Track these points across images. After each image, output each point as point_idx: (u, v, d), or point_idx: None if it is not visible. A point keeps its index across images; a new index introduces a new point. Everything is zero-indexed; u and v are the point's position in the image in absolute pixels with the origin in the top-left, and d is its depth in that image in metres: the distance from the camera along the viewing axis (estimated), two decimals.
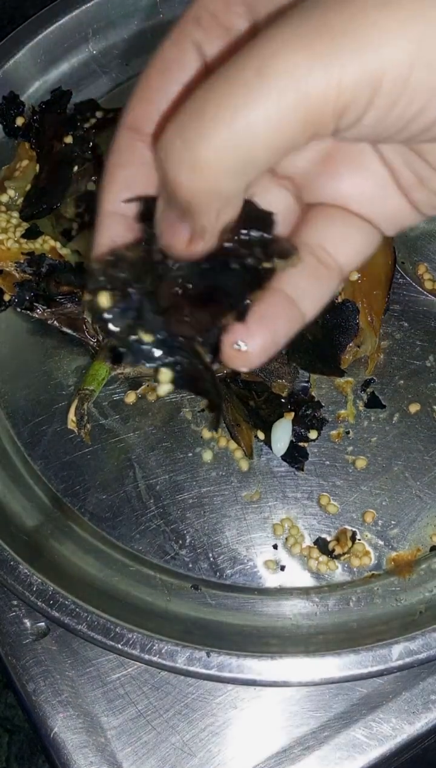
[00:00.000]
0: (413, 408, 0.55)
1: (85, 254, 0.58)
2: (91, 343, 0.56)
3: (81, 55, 0.68)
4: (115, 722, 0.47)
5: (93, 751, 0.46)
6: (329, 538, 0.51)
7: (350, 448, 0.54)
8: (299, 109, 0.24)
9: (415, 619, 0.47)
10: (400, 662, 0.44)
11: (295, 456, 0.53)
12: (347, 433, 0.54)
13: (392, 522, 0.52)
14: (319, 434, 0.54)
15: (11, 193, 0.61)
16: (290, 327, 0.29)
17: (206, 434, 0.54)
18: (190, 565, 0.51)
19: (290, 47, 0.24)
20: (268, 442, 0.53)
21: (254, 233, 0.28)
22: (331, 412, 0.55)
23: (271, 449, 0.53)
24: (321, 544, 0.51)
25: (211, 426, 0.54)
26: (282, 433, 0.53)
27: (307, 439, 0.54)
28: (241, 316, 0.28)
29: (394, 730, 0.46)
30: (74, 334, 0.57)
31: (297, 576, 0.51)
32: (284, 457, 0.53)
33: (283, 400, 0.54)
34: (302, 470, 0.53)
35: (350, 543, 0.51)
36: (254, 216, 0.28)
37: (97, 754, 0.46)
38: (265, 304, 0.29)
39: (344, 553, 0.50)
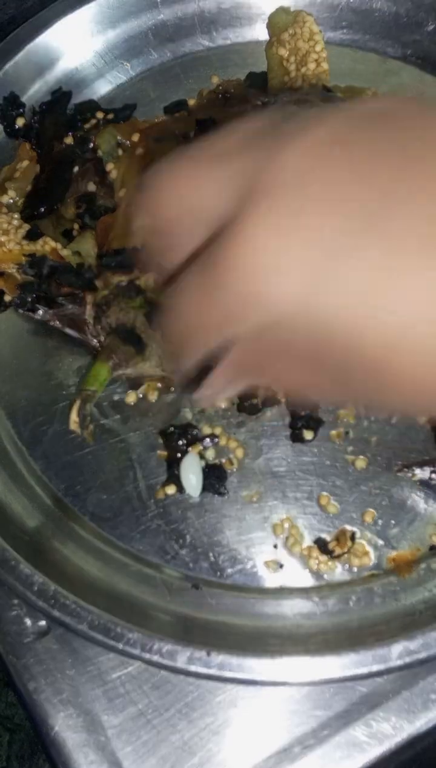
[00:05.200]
0: None
1: (86, 255, 0.58)
2: (93, 343, 0.56)
3: (81, 56, 0.68)
4: (115, 721, 0.47)
5: (93, 750, 0.46)
6: (328, 538, 0.51)
7: (350, 448, 0.54)
8: None
9: (415, 619, 0.47)
10: (400, 662, 0.44)
11: (214, 484, 0.53)
12: (347, 433, 0.54)
13: (392, 521, 0.52)
14: (315, 435, 0.54)
15: (12, 194, 0.61)
16: None
17: (206, 432, 0.55)
18: (191, 565, 0.51)
19: None
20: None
21: None
22: (331, 412, 0.55)
23: None
24: (321, 544, 0.51)
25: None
26: (191, 471, 0.53)
27: (303, 440, 0.54)
28: None
29: (394, 729, 0.46)
30: (76, 334, 0.57)
31: (297, 576, 0.51)
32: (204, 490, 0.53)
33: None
34: (223, 494, 0.53)
35: (349, 543, 0.51)
36: None
37: (98, 752, 0.46)
38: None
39: (343, 553, 0.50)
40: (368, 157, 0.27)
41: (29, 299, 0.56)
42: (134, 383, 0.56)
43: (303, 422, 0.54)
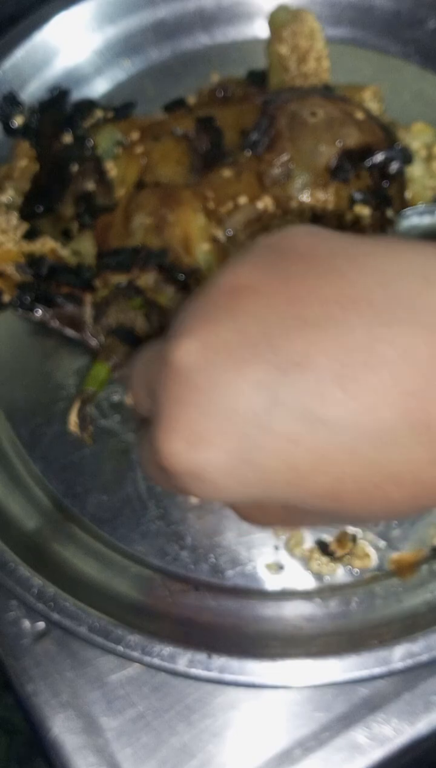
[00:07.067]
0: None
1: (85, 254, 0.57)
2: (92, 344, 0.56)
3: (80, 54, 0.67)
4: (114, 723, 0.47)
5: (92, 753, 0.46)
6: (330, 539, 0.51)
7: None
8: None
9: (417, 621, 0.47)
10: (402, 664, 0.44)
11: None
12: None
13: (394, 522, 0.51)
14: None
15: (10, 192, 0.60)
16: None
17: None
18: (191, 567, 0.51)
19: None
20: None
21: None
22: None
23: None
24: (322, 546, 0.51)
25: None
26: None
27: None
28: None
29: (395, 731, 0.46)
30: (75, 335, 0.56)
31: (298, 577, 0.50)
32: None
33: None
34: None
35: (351, 544, 0.50)
36: None
37: (97, 755, 0.46)
38: None
39: (345, 555, 0.50)
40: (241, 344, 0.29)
41: (28, 299, 0.56)
42: None
43: None
